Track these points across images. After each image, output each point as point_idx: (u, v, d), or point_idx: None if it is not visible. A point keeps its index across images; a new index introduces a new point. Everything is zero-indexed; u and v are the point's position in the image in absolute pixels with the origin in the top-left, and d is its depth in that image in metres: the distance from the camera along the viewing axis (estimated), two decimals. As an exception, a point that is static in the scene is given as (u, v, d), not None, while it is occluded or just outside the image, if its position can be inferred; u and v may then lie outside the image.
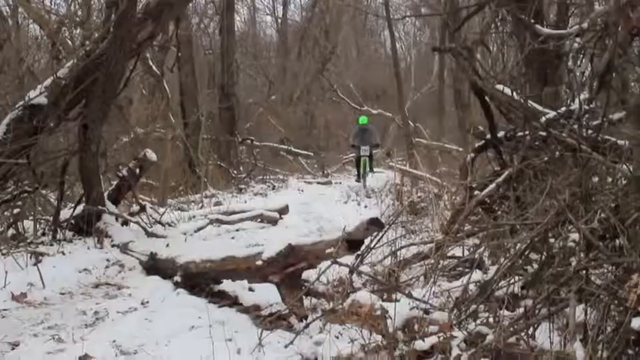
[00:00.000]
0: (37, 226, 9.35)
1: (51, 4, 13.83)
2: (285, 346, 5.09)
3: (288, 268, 6.26)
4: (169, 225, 11.46)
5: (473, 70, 8.85)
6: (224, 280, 7.26)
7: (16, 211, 9.52)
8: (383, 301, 5.33)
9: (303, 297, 6.22)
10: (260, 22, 46.62)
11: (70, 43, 13.61)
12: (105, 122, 10.28)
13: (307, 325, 5.40)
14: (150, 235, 10.08)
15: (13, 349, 5.31)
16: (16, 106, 8.97)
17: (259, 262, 6.35)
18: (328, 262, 5.92)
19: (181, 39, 21.66)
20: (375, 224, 5.87)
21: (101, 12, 12.75)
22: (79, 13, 13.06)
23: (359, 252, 6.25)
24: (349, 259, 6.34)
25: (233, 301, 6.91)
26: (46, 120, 8.94)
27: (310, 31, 37.13)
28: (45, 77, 9.70)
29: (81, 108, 9.81)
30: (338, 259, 5.83)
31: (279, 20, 43.27)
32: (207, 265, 7.11)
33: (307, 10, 40.47)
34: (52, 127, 9.24)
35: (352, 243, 5.90)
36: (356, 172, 23.42)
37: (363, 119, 23.22)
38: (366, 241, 6.30)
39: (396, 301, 5.38)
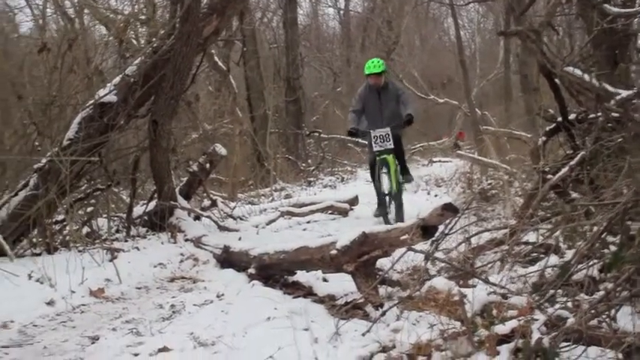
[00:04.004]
0: (111, 223, 9.46)
1: (116, 3, 14.00)
2: (363, 334, 5.06)
3: (362, 256, 6.21)
4: (241, 219, 11.54)
5: (541, 53, 8.72)
6: (298, 271, 7.28)
7: (89, 209, 9.65)
8: (459, 287, 5.27)
9: (378, 285, 6.18)
10: (322, 14, 46.83)
11: (135, 42, 13.78)
12: (174, 118, 10.38)
13: (384, 313, 5.34)
14: (222, 228, 10.16)
15: (92, 342, 5.37)
16: (87, 104, 9.06)
17: (333, 252, 6.31)
18: (402, 250, 5.89)
19: (246, 33, 21.75)
20: (449, 209, 5.79)
21: (165, 9, 12.88)
22: (144, 11, 13.19)
23: (434, 238, 6.20)
24: (423, 246, 6.31)
25: (307, 292, 6.88)
26: (116, 117, 9.01)
27: (373, 22, 37.06)
28: (113, 76, 9.79)
29: (150, 105, 9.93)
30: (412, 246, 5.79)
31: (342, 12, 43.38)
32: (280, 257, 7.11)
33: (369, 1, 40.42)
34: (123, 125, 9.31)
35: (426, 230, 5.84)
36: (375, 190, 12.29)
37: (374, 64, 11.72)
38: (440, 228, 6.25)
39: (473, 286, 5.34)
